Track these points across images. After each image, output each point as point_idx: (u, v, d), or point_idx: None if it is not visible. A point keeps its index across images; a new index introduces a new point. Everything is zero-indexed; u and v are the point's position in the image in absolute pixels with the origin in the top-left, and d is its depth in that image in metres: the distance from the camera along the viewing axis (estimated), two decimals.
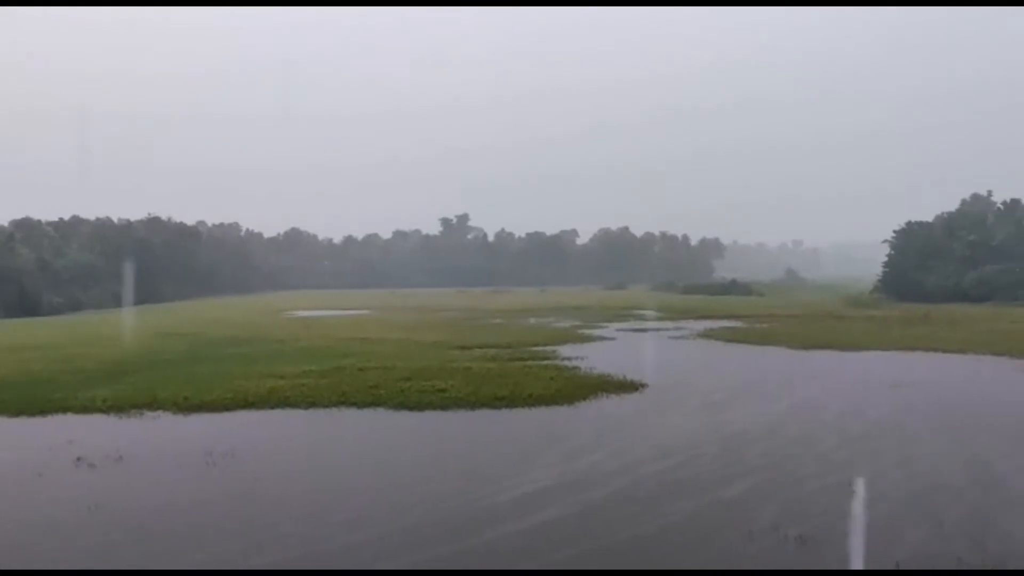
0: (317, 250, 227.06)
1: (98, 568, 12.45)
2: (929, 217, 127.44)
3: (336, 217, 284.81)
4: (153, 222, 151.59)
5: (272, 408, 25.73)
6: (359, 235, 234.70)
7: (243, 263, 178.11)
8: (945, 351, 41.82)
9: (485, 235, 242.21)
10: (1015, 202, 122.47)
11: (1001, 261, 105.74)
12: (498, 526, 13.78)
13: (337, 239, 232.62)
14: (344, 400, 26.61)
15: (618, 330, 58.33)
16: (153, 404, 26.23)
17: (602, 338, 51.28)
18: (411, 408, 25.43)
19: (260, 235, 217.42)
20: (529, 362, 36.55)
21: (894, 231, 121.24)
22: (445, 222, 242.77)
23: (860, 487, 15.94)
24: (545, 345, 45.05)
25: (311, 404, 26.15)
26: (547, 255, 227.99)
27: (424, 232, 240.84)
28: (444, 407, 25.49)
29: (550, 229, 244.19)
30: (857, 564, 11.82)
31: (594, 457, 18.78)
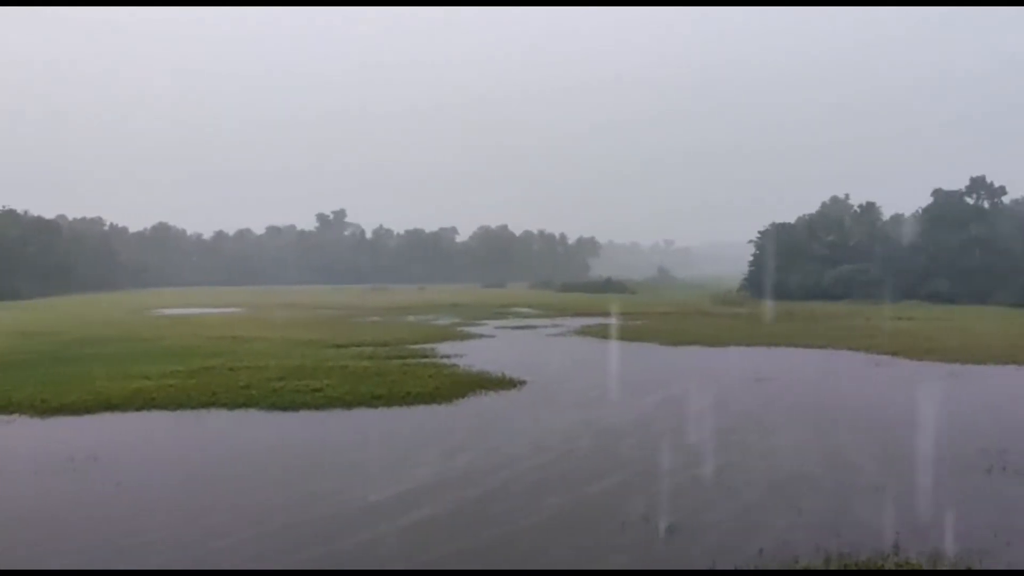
0: (186, 246, 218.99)
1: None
2: (792, 218, 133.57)
3: (207, 213, 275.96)
4: (7, 215, 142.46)
5: (137, 410, 24.65)
6: (230, 231, 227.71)
7: (107, 259, 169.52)
8: (806, 346, 44.05)
9: (363, 232, 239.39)
10: (870, 205, 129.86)
11: (857, 261, 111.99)
12: (373, 526, 13.66)
13: (207, 235, 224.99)
14: (214, 401, 25.76)
15: (497, 328, 58.74)
16: (8, 407, 24.78)
17: (481, 336, 51.52)
18: (284, 408, 24.88)
19: (125, 230, 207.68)
20: (407, 360, 36.35)
21: (759, 232, 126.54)
22: (321, 218, 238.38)
23: (726, 478, 16.61)
24: (424, 343, 44.91)
25: (178, 406, 25.20)
26: (426, 253, 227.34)
27: (300, 228, 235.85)
28: (319, 407, 25.06)
29: (429, 226, 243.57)
30: (721, 552, 12.28)
31: (471, 454, 18.88)
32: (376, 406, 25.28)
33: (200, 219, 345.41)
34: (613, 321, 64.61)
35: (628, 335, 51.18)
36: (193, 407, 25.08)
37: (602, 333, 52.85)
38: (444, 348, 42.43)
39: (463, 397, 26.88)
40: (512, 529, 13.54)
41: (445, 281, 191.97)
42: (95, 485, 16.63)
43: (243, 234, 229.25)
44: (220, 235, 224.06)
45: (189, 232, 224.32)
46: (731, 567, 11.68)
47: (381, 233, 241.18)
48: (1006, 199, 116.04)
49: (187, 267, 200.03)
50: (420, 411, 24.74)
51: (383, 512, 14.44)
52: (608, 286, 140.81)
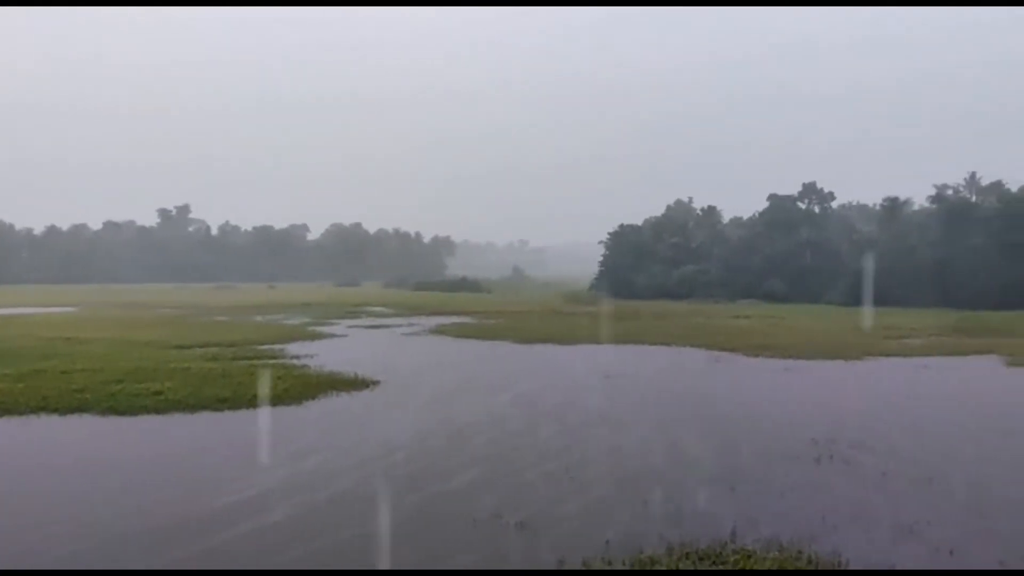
0: (13, 241, 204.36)
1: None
2: (640, 221, 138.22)
3: (35, 205, 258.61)
4: None
5: None
6: (64, 225, 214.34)
7: None
8: (652, 343, 45.65)
9: (208, 228, 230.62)
10: (711, 208, 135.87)
11: (699, 262, 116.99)
12: (217, 532, 13.11)
13: (38, 229, 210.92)
14: (44, 406, 24.05)
15: (350, 327, 57.88)
16: None
17: (333, 335, 50.61)
18: (122, 413, 23.55)
19: None
20: (255, 361, 35.21)
21: (608, 233, 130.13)
22: (164, 213, 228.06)
23: (575, 473, 16.93)
24: (273, 343, 43.70)
25: (5, 411, 23.36)
26: (276, 250, 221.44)
27: (140, 224, 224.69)
28: (160, 411, 23.87)
29: (279, 223, 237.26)
30: (570, 545, 12.49)
31: (321, 456, 18.46)
32: (221, 409, 24.32)
33: (27, 212, 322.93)
34: (468, 320, 64.92)
35: (483, 333, 51.53)
36: (21, 413, 23.33)
37: (457, 332, 53.00)
38: (294, 348, 41.42)
39: (313, 399, 26.27)
40: (361, 531, 13.31)
41: (296, 280, 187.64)
42: None
43: (78, 229, 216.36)
44: (52, 230, 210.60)
45: (17, 227, 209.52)
46: (578, 559, 11.90)
47: (228, 230, 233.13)
48: (835, 204, 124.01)
49: (15, 263, 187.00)
50: (268, 413, 23.98)
51: (230, 517, 13.89)
52: (463, 285, 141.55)
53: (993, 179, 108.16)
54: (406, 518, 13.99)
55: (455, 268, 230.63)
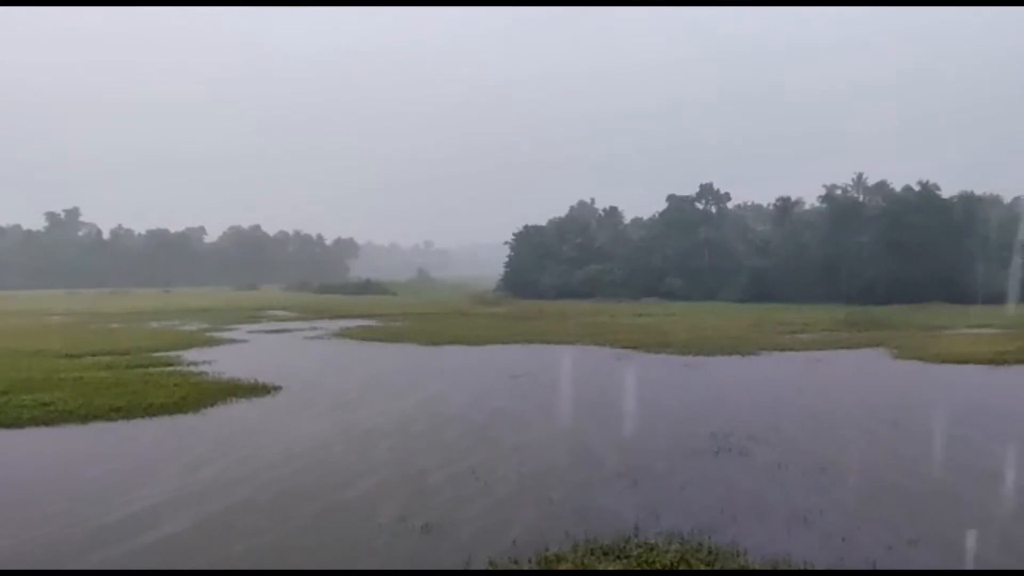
0: None
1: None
2: (544, 221, 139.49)
3: None
4: None
5: None
6: None
7: None
8: (557, 343, 46.08)
9: (99, 231, 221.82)
10: (613, 209, 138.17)
11: (602, 262, 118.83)
12: (105, 548, 12.58)
13: None
14: None
15: (250, 332, 56.52)
16: None
17: (233, 341, 49.32)
18: (8, 425, 22.34)
19: None
20: (150, 369, 34.00)
21: (513, 234, 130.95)
22: (51, 217, 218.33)
23: (481, 474, 16.91)
24: (169, 350, 42.27)
25: None
26: (172, 254, 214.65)
27: (26, 228, 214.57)
28: (49, 422, 22.75)
29: (175, 226, 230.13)
30: (476, 545, 12.47)
31: (218, 466, 17.92)
32: (115, 419, 23.36)
33: None
34: (373, 323, 64.28)
35: (388, 336, 51.09)
36: None
37: (361, 335, 52.37)
38: (191, 355, 40.18)
39: (211, 406, 25.50)
40: (259, 542, 12.95)
41: (193, 284, 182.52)
42: None
43: None
44: None
45: None
46: (484, 559, 11.89)
47: (120, 233, 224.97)
48: (730, 204, 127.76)
49: None
50: (163, 423, 23.17)
51: (119, 532, 13.32)
52: (368, 287, 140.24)
53: (878, 179, 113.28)
54: (306, 526, 13.71)
55: (359, 270, 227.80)
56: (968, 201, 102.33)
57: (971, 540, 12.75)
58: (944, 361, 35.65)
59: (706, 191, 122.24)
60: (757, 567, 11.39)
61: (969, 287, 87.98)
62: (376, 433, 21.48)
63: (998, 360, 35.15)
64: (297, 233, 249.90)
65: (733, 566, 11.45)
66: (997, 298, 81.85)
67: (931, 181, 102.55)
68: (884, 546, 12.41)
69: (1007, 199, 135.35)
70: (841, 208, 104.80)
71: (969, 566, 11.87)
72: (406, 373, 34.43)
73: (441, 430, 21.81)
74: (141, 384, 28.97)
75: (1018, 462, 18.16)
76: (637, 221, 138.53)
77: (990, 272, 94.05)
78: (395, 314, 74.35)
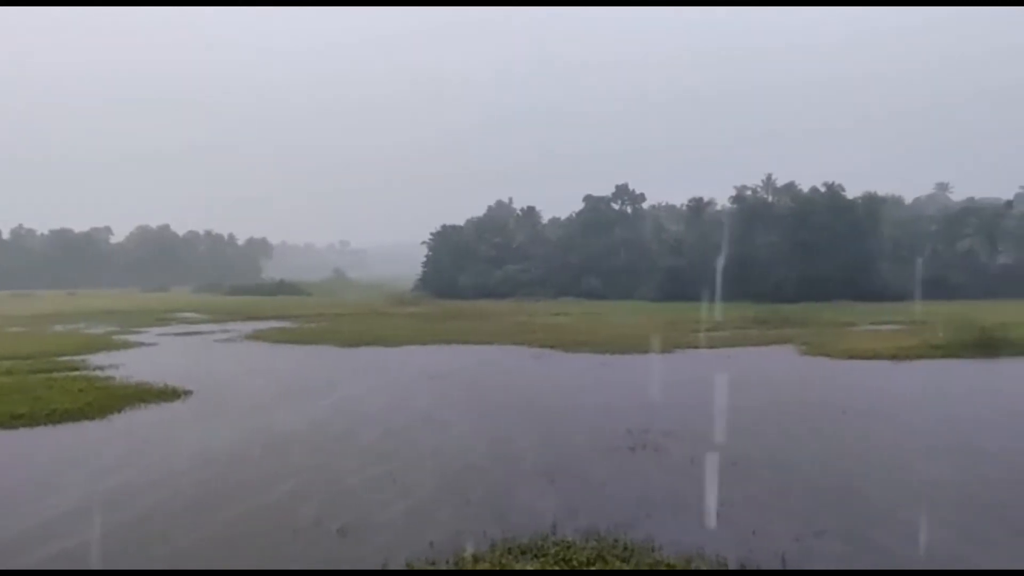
0: None
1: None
2: (462, 221, 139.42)
3: None
4: None
5: None
6: None
7: None
8: (476, 343, 46.10)
9: None
10: (531, 208, 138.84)
11: (520, 261, 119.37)
12: (5, 563, 12.07)
13: None
14: None
15: (160, 335, 54.96)
16: None
17: (141, 344, 47.85)
18: None
19: None
20: (54, 374, 32.71)
21: (431, 233, 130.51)
22: None
23: (398, 476, 16.79)
24: (74, 354, 40.79)
25: None
26: (76, 255, 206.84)
27: None
28: None
29: (79, 226, 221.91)
30: (393, 548, 12.38)
31: (127, 473, 17.36)
32: (16, 427, 22.44)
33: None
34: (287, 324, 63.20)
35: (303, 338, 50.31)
36: None
37: (275, 337, 51.45)
38: (98, 359, 38.84)
39: (118, 412, 24.69)
40: (168, 550, 12.60)
41: (100, 286, 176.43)
42: None
43: None
44: None
45: None
46: (401, 561, 11.82)
47: (21, 233, 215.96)
48: (645, 205, 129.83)
49: None
50: (68, 429, 22.34)
51: (20, 545, 12.79)
52: (281, 288, 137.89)
53: (787, 180, 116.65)
54: (218, 532, 13.39)
55: (272, 271, 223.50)
56: (871, 201, 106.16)
57: (875, 531, 13.23)
58: (850, 357, 36.92)
59: (621, 191, 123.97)
60: (671, 562, 11.59)
61: (873, 285, 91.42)
62: (291, 436, 21.12)
63: (901, 356, 36.55)
64: (208, 233, 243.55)
65: (648, 561, 11.64)
66: (900, 295, 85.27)
67: (836, 182, 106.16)
68: (792, 538, 12.78)
69: (908, 200, 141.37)
70: (751, 208, 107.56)
71: (872, 555, 12.29)
72: (322, 375, 33.96)
73: (358, 432, 21.58)
74: (44, 389, 27.88)
75: (921, 454, 18.90)
76: (555, 221, 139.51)
77: (893, 270, 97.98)
78: (310, 315, 73.26)
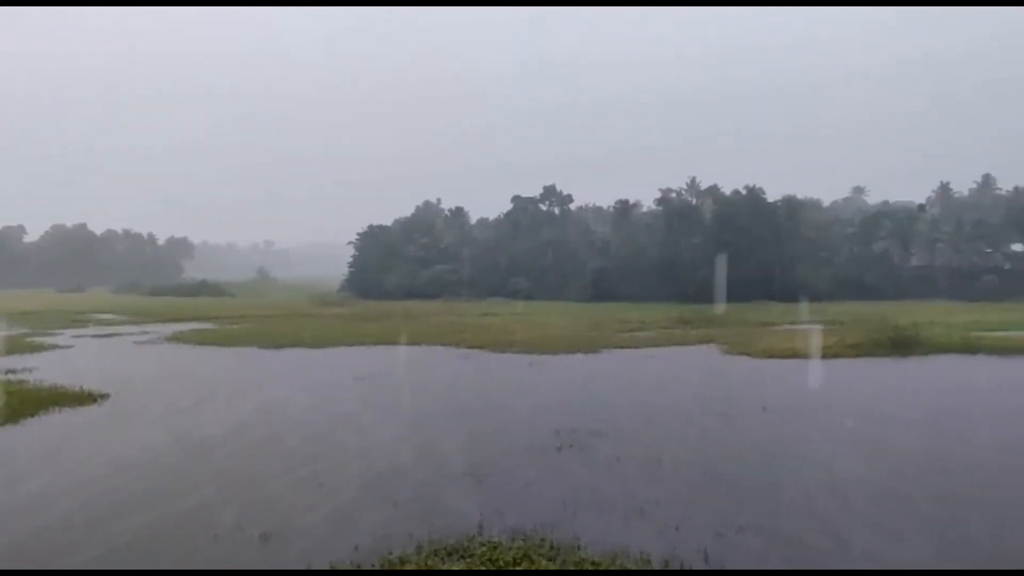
0: None
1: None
2: (389, 221, 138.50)
3: None
4: None
5: None
6: None
7: None
8: (403, 344, 45.80)
9: None
10: (459, 209, 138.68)
11: (448, 262, 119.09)
12: None
13: None
14: None
15: (76, 337, 53.21)
16: None
17: (56, 346, 46.23)
18: None
19: None
20: None
21: (358, 233, 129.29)
22: None
23: (323, 480, 16.58)
24: None
25: None
26: None
27: None
28: None
29: None
30: (317, 552, 12.21)
31: (41, 480, 16.73)
32: None
33: None
34: (209, 325, 61.85)
35: (226, 340, 49.29)
36: None
37: (197, 339, 50.28)
38: (9, 362, 37.38)
39: (31, 416, 23.77)
40: (82, 558, 12.20)
41: (12, 286, 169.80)
42: None
43: None
44: None
45: None
46: (326, 564, 11.68)
47: None
48: (573, 206, 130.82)
49: None
50: None
51: None
52: (203, 289, 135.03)
53: (710, 183, 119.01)
54: (135, 539, 13.00)
55: (194, 271, 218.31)
56: (791, 205, 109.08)
57: (793, 525, 13.57)
58: (770, 356, 37.85)
59: (549, 192, 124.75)
60: (596, 560, 11.70)
61: (792, 285, 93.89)
62: (212, 441, 20.64)
63: (818, 355, 37.64)
64: (127, 232, 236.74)
65: (574, 559, 11.72)
66: (818, 295, 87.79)
67: (757, 185, 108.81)
68: (714, 533, 13.03)
69: (826, 203, 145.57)
70: (675, 211, 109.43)
71: (790, 549, 12.60)
72: (245, 377, 33.33)
73: (282, 436, 21.21)
74: None
75: (837, 450, 19.46)
76: (483, 222, 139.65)
77: (811, 271, 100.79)
78: (233, 316, 71.82)
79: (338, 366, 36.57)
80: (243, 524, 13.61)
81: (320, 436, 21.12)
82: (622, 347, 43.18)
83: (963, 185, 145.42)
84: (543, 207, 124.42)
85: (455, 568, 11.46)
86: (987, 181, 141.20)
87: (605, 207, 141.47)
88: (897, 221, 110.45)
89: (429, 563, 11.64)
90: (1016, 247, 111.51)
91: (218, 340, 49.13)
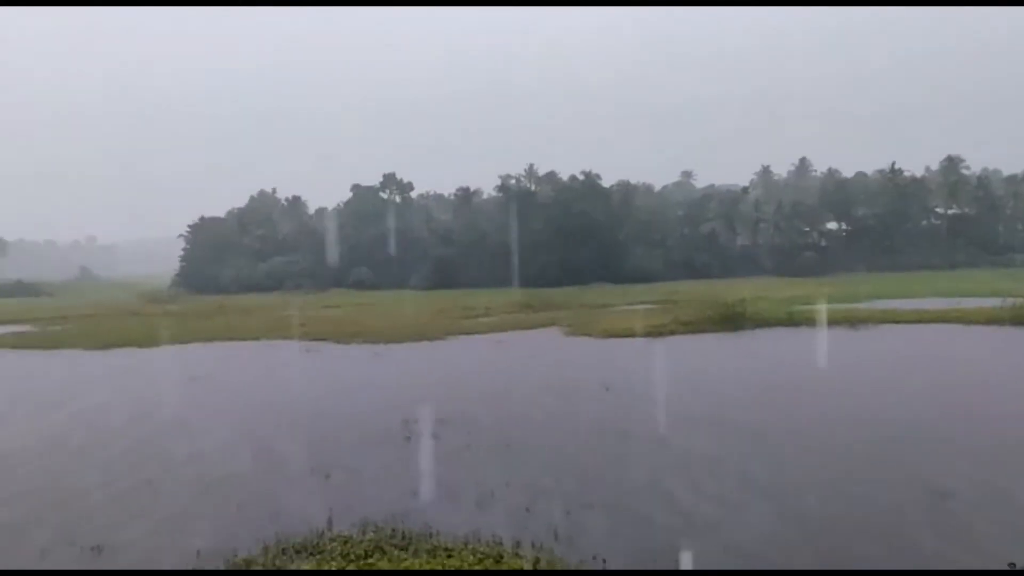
0: None
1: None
2: (222, 212, 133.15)
3: None
4: None
5: None
6: None
7: None
8: (241, 339, 44.20)
9: None
10: (296, 199, 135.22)
11: (287, 254, 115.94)
12: None
13: None
14: None
15: None
16: None
17: None
18: None
19: None
20: None
21: (188, 226, 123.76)
22: None
23: (154, 487, 15.65)
24: None
25: None
26: None
27: None
28: None
29: None
30: (153, 560, 11.56)
31: None
32: None
33: None
34: (26, 328, 57.55)
35: (44, 343, 45.97)
36: None
37: (11, 343, 46.65)
38: None
39: None
40: None
41: None
42: None
43: None
44: None
45: None
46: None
47: None
48: (413, 194, 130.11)
49: None
50: None
51: None
52: (19, 289, 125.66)
53: (548, 170, 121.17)
54: None
55: (8, 270, 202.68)
56: (624, 189, 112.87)
57: (636, 501, 13.98)
58: (609, 336, 38.98)
59: (389, 181, 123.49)
60: (448, 546, 11.62)
61: (627, 267, 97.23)
62: (27, 452, 19.09)
63: (654, 333, 39.07)
64: None
65: (427, 547, 11.59)
66: (651, 276, 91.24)
67: (593, 171, 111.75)
68: (563, 512, 13.24)
69: (657, 187, 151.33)
70: (515, 197, 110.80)
71: (636, 525, 12.97)
72: (64, 382, 31.20)
73: (105, 444, 19.75)
74: None
75: (679, 427, 20.20)
76: (321, 212, 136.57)
77: (644, 253, 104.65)
78: (53, 318, 67.09)
79: (168, 366, 34.88)
80: (72, 538, 12.67)
81: (149, 442, 19.89)
82: (467, 333, 43.33)
83: (782, 168, 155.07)
84: (383, 195, 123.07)
85: (304, 567, 11.11)
86: (803, 164, 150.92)
87: (446, 195, 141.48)
88: (723, 203, 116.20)
89: (277, 562, 11.23)
90: (831, 225, 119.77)
91: (35, 343, 45.71)
